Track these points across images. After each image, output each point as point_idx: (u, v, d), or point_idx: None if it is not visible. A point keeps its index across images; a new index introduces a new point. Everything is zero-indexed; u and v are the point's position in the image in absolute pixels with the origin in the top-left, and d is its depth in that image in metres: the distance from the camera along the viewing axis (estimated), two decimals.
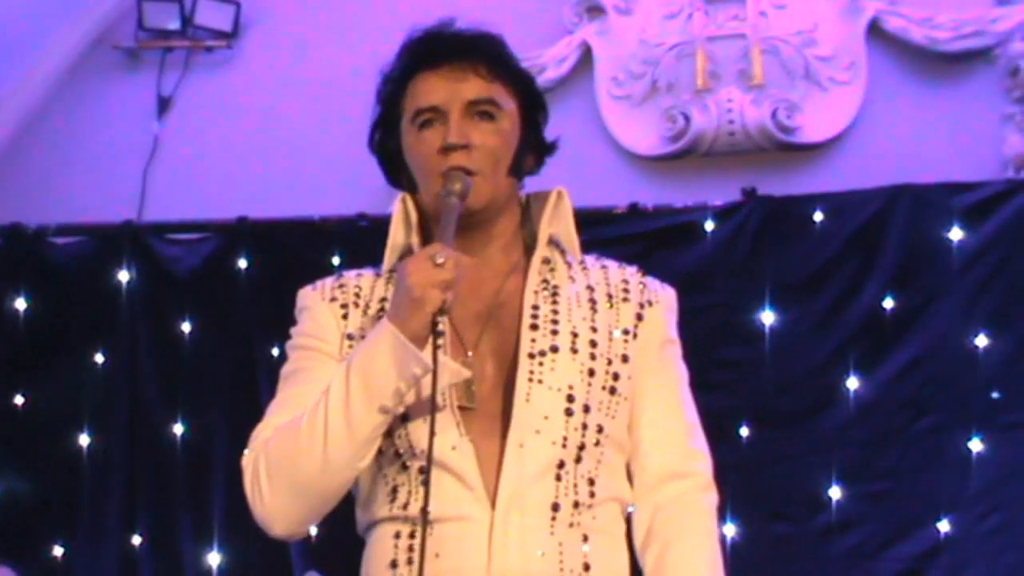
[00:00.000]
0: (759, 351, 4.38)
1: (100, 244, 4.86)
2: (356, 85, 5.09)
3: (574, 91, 4.95)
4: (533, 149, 2.15)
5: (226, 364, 4.67)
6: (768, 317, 4.40)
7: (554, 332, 2.02)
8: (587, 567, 1.96)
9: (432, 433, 1.88)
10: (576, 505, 1.97)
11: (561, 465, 1.97)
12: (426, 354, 1.87)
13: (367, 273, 2.15)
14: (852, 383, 4.32)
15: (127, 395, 4.70)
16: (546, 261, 2.10)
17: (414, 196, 2.12)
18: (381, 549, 1.98)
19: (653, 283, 2.18)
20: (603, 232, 4.49)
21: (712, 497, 2.11)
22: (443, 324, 1.91)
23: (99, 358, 4.74)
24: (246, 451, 2.01)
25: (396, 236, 2.12)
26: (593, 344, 2.04)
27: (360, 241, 4.56)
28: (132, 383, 4.71)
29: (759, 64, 4.87)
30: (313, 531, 4.52)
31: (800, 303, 4.41)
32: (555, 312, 2.04)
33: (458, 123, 2.03)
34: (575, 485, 1.97)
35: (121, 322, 4.75)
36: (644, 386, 2.09)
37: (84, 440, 4.70)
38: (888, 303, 4.35)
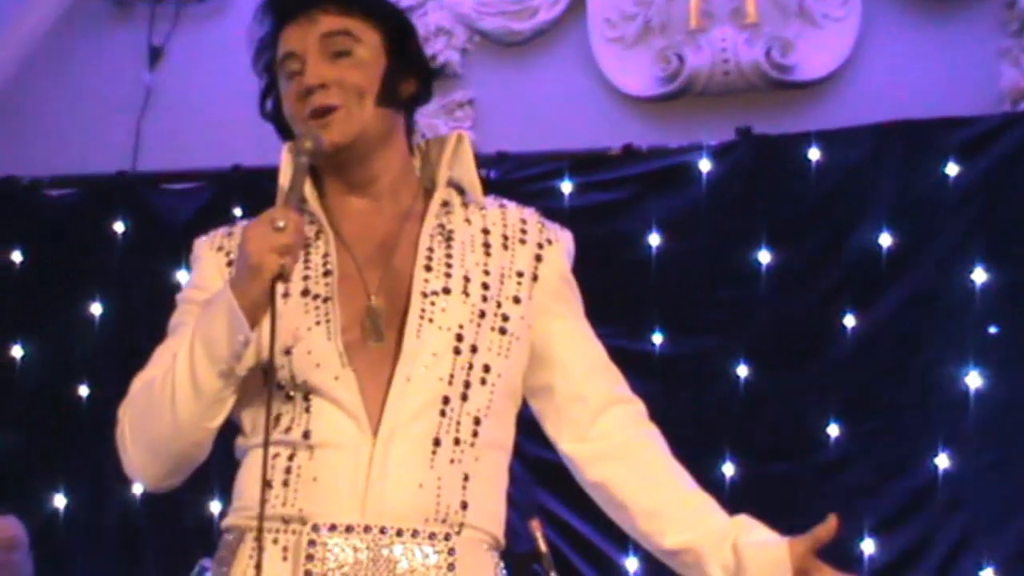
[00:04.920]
0: (755, 290, 4.38)
1: (94, 195, 4.85)
2: None
3: (567, 33, 4.91)
4: (410, 76, 2.11)
5: None
6: (764, 256, 4.39)
7: (447, 275, 2.04)
8: (464, 505, 1.97)
9: (270, 402, 1.93)
10: (457, 442, 1.98)
11: (446, 401, 1.98)
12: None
13: None
14: (849, 320, 4.32)
15: (123, 345, 4.70)
16: (444, 204, 2.11)
17: None
18: (257, 467, 1.98)
19: (552, 224, 2.18)
20: (598, 174, 4.48)
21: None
22: (343, 266, 1.98)
23: (96, 309, 4.74)
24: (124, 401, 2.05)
25: (284, 184, 2.12)
26: (485, 287, 2.05)
27: None
28: (128, 333, 4.71)
29: (753, 2, 4.84)
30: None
31: (796, 241, 4.40)
32: (449, 256, 2.06)
33: (314, 65, 2.04)
34: (458, 422, 1.99)
35: (116, 273, 4.75)
36: (554, 325, 2.11)
37: (83, 391, 4.71)
38: (884, 239, 4.34)
